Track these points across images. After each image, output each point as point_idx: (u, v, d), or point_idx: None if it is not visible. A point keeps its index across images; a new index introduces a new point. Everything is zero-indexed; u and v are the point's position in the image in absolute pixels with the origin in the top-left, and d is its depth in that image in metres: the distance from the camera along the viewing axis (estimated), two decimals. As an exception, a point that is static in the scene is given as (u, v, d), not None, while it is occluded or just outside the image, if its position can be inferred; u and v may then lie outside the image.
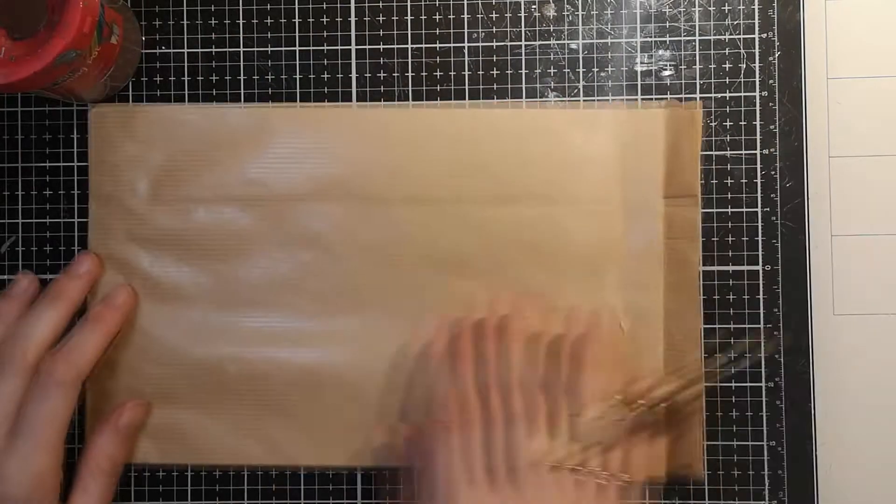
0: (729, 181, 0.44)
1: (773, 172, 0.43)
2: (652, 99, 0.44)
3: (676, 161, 0.43)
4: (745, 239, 0.43)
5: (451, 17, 0.44)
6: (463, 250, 0.43)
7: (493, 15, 0.44)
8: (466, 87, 0.44)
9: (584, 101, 0.44)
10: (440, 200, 0.43)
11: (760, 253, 0.43)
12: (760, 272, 0.43)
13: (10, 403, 0.39)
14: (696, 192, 0.43)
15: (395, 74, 0.44)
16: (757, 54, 0.44)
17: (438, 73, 0.44)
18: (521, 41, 0.44)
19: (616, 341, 0.42)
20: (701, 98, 0.44)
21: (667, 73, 0.44)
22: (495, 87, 0.44)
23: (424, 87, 0.44)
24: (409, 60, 0.44)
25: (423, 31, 0.44)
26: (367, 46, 0.44)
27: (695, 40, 0.44)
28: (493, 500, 0.36)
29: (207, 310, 0.44)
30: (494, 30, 0.44)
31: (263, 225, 0.44)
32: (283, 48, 0.44)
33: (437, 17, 0.44)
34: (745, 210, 0.43)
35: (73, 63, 0.38)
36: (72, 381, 0.39)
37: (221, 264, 0.44)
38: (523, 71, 0.44)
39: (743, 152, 0.44)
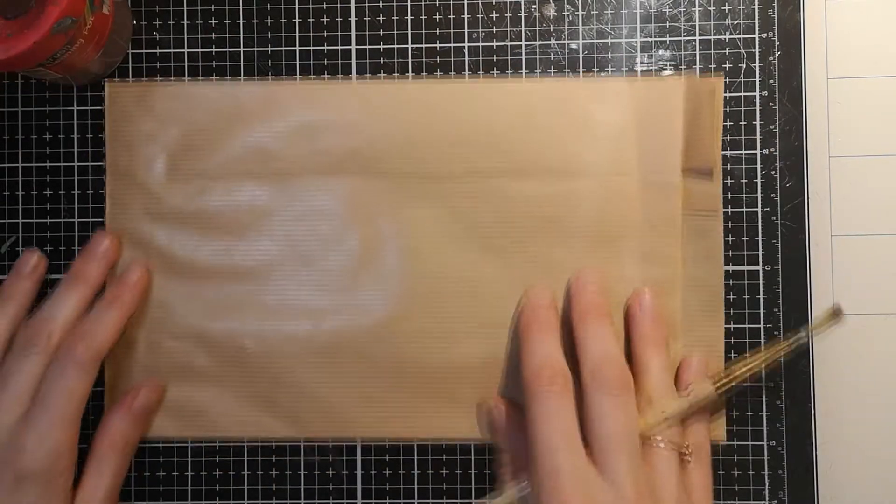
0: (729, 181, 0.44)
1: (773, 172, 0.43)
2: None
3: (696, 133, 0.43)
4: (745, 239, 0.43)
5: (451, 17, 0.44)
6: (479, 225, 0.43)
7: (493, 15, 0.44)
8: (466, 87, 0.44)
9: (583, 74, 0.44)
10: (454, 175, 0.43)
11: (760, 253, 0.43)
12: (760, 272, 0.43)
13: (32, 381, 0.40)
14: (717, 165, 0.43)
15: (395, 74, 0.44)
16: (757, 54, 0.44)
17: (438, 73, 0.44)
18: (521, 41, 0.44)
19: (672, 316, 0.42)
20: (701, 98, 0.44)
21: (667, 72, 0.44)
22: (495, 87, 0.44)
23: (424, 87, 0.44)
24: (410, 60, 0.44)
25: (423, 31, 0.44)
26: (367, 46, 0.44)
27: (695, 40, 0.44)
28: (591, 470, 0.35)
29: (225, 285, 0.44)
30: (494, 30, 0.44)
31: (280, 199, 0.44)
32: (283, 48, 0.44)
33: (437, 17, 0.44)
34: (744, 210, 0.43)
35: (70, 32, 0.38)
36: (90, 361, 0.40)
37: (239, 239, 0.44)
38: (523, 71, 0.44)
39: (743, 152, 0.44)
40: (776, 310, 0.43)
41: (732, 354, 0.43)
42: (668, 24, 0.44)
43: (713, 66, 0.44)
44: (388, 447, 0.44)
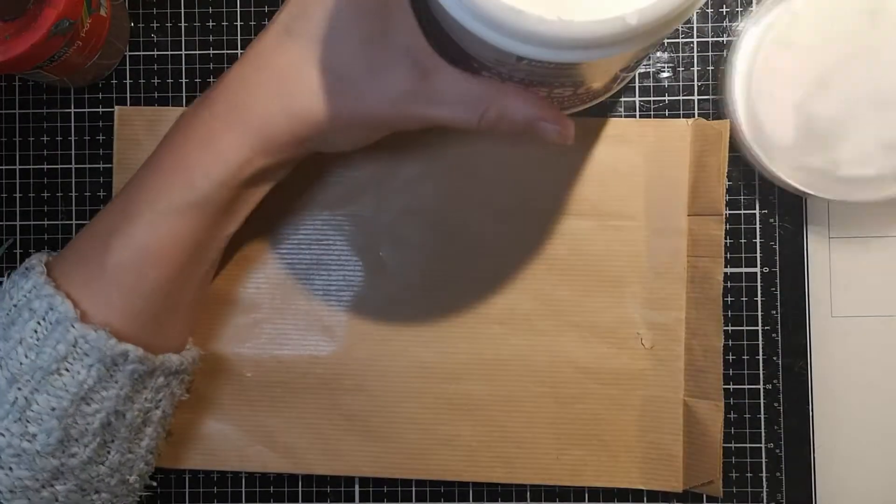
0: (727, 183, 0.43)
1: (771, 174, 0.43)
2: (650, 102, 0.44)
3: (702, 177, 0.42)
4: (742, 241, 0.43)
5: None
6: (484, 262, 0.43)
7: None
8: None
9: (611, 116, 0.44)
10: (462, 210, 0.43)
11: (758, 255, 0.43)
12: (758, 274, 0.43)
13: None
14: (721, 209, 0.42)
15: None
16: (755, 56, 0.43)
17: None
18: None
19: None
20: (698, 99, 0.44)
21: (665, 74, 0.44)
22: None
23: (422, 90, 0.44)
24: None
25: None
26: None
27: (692, 42, 0.44)
28: None
29: (227, 313, 0.43)
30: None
31: (284, 229, 0.43)
32: (281, 50, 0.44)
33: (435, 19, 0.44)
34: (742, 212, 0.43)
35: (68, 34, 0.38)
36: None
37: (240, 268, 0.43)
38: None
39: (741, 154, 0.43)
40: (774, 312, 0.43)
41: (731, 357, 0.43)
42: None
43: (711, 67, 0.44)
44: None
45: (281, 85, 0.34)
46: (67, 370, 0.34)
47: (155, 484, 0.42)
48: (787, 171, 0.42)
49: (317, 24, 0.34)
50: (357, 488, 0.44)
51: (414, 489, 0.43)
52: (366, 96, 0.34)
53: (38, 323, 0.34)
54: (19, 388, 0.34)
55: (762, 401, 0.43)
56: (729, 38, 0.44)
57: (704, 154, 0.42)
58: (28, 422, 0.34)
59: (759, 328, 0.43)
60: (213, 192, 0.35)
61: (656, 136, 0.43)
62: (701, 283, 0.42)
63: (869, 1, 0.41)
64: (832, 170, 0.42)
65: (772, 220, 0.43)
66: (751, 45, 0.42)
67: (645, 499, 0.43)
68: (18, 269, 0.36)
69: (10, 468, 0.34)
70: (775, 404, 0.43)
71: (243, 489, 0.44)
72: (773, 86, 0.42)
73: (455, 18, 0.28)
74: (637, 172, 0.43)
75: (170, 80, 0.45)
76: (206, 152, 0.35)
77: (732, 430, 0.43)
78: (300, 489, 0.44)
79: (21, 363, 0.34)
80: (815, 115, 0.42)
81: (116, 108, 0.44)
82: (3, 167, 0.45)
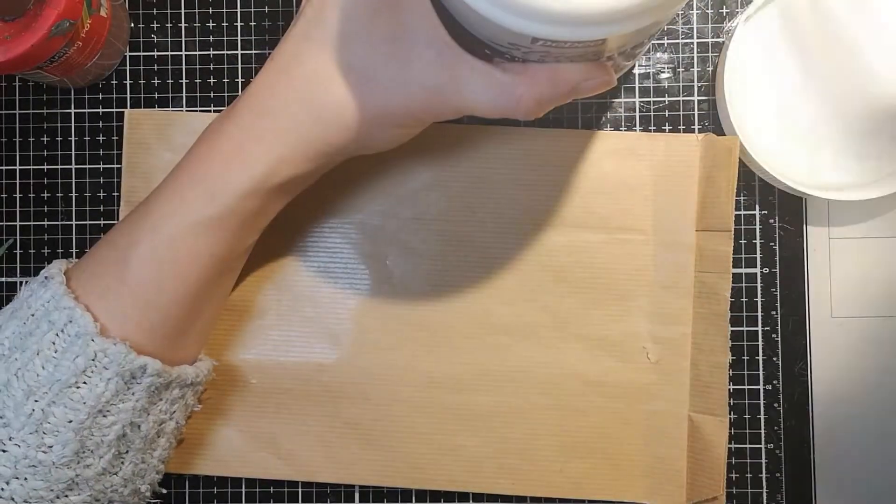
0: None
1: (770, 175, 0.43)
2: (651, 101, 0.44)
3: (711, 193, 0.42)
4: (742, 241, 0.43)
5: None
6: (493, 273, 0.43)
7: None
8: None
9: (628, 129, 0.44)
10: (470, 221, 0.43)
11: (758, 255, 0.43)
12: (758, 275, 0.43)
13: None
14: (730, 225, 0.42)
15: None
16: (755, 57, 0.44)
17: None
18: (519, 44, 0.44)
19: None
20: (698, 100, 0.44)
21: (664, 75, 0.44)
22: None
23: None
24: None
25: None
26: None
27: (692, 42, 0.44)
28: None
29: (233, 319, 0.43)
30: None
31: (292, 237, 0.43)
32: (281, 50, 0.44)
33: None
34: (742, 213, 0.43)
35: (69, 34, 0.38)
36: None
37: (246, 275, 0.43)
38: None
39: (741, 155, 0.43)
40: (774, 312, 0.43)
41: (731, 357, 0.43)
42: (665, 26, 0.44)
43: (710, 67, 0.44)
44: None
45: (308, 93, 0.34)
46: (85, 383, 0.34)
47: (164, 492, 0.42)
48: (775, 172, 0.42)
49: (335, 27, 0.33)
50: (357, 489, 0.44)
51: (414, 490, 0.43)
52: (395, 93, 0.33)
53: (57, 335, 0.34)
54: (36, 401, 0.34)
55: (762, 401, 0.43)
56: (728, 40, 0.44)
57: (714, 169, 0.42)
58: (45, 433, 0.34)
59: (759, 328, 0.43)
60: (237, 205, 0.34)
61: (666, 151, 0.43)
62: (708, 299, 0.42)
63: (840, 17, 0.42)
64: (814, 175, 0.42)
65: (772, 221, 0.43)
66: (738, 47, 0.42)
67: None
68: (37, 277, 0.36)
69: (26, 478, 0.34)
70: (775, 405, 0.43)
71: (243, 489, 0.44)
72: (757, 90, 0.42)
73: (468, 4, 0.28)
74: (646, 186, 0.43)
75: (170, 81, 0.45)
76: (232, 164, 0.34)
77: (732, 431, 0.43)
78: (300, 490, 0.44)
79: (38, 375, 0.34)
80: (794, 122, 0.42)
81: (126, 111, 0.44)
82: (3, 167, 0.45)
